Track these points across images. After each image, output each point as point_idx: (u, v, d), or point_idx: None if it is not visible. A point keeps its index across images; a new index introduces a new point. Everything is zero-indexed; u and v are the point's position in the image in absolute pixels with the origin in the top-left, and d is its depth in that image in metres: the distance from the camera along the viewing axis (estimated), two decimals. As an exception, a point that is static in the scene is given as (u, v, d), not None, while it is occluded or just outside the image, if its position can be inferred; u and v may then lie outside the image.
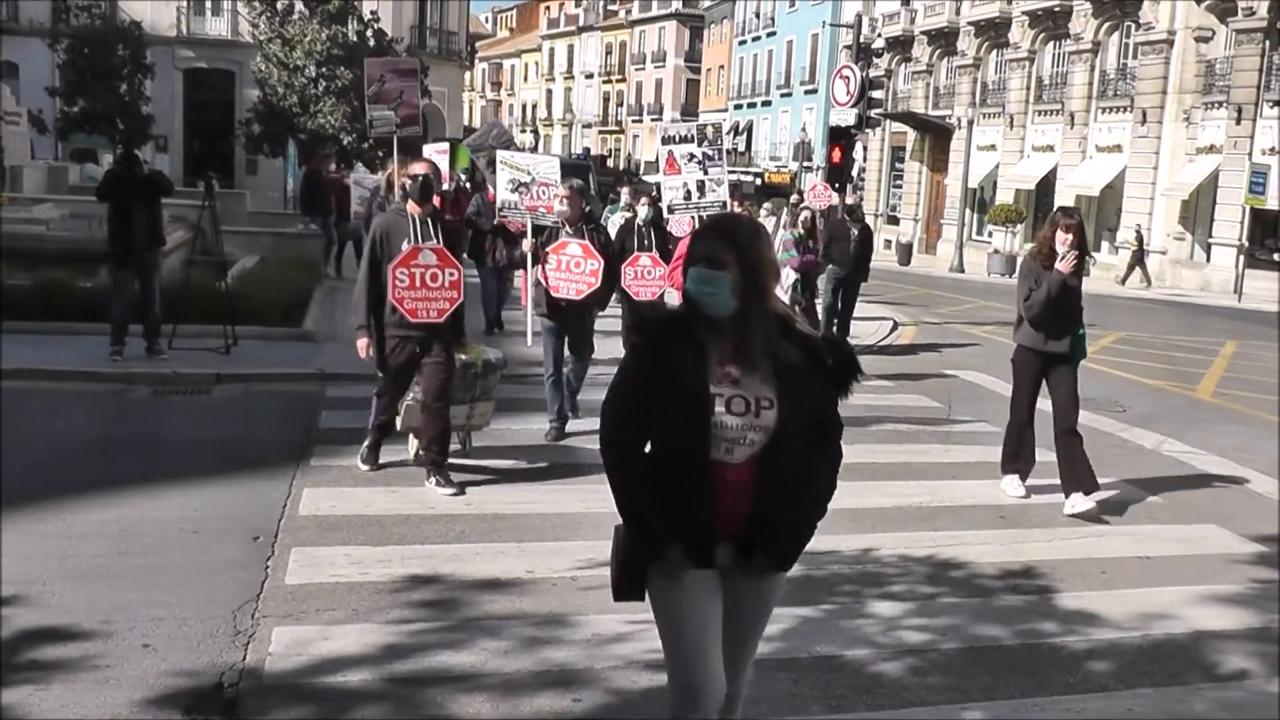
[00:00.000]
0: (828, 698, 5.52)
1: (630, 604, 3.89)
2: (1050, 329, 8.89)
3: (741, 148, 68.88)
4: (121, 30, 41.62)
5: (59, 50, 41.48)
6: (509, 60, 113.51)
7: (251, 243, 20.55)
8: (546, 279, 10.35)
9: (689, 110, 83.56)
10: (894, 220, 53.87)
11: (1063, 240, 8.71)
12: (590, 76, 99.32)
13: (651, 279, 12.02)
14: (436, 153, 18.38)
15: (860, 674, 5.79)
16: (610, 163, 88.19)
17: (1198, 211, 37.48)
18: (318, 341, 14.26)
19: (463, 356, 9.08)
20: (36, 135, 36.83)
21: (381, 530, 7.60)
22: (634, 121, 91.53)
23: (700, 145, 12.15)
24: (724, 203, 12.08)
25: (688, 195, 12.17)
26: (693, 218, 12.15)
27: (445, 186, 16.03)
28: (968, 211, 44.59)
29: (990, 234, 44.73)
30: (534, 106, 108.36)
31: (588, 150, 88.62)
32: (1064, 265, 8.68)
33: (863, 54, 28.53)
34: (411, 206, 8.49)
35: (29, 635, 5.64)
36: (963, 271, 40.41)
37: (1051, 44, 44.39)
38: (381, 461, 9.14)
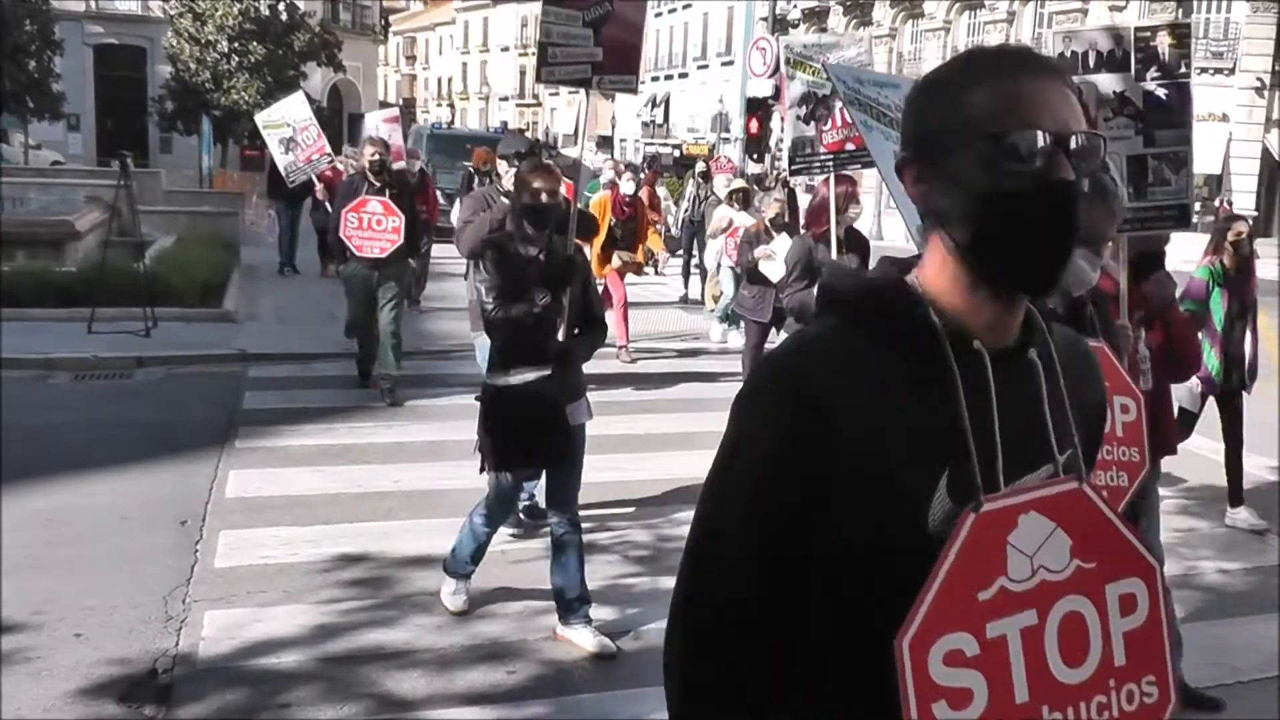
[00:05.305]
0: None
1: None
2: None
3: (660, 120, 68.84)
4: (28, 5, 40.65)
5: (-38, 27, 40.53)
6: (423, 34, 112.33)
7: (169, 222, 20.28)
8: None
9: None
10: (811, 189, 54.18)
11: None
12: (506, 49, 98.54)
13: None
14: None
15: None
16: (528, 136, 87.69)
17: (1112, 177, 38.12)
18: (238, 322, 14.15)
19: None
20: (-57, 115, 36.09)
21: (309, 510, 7.61)
22: (551, 95, 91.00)
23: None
24: None
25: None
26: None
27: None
28: (885, 180, 44.91)
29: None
30: (449, 80, 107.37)
31: (505, 124, 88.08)
32: None
33: (779, 25, 28.65)
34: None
35: (-42, 627, 5.61)
36: (881, 239, 40.74)
37: (967, 14, 44.87)
38: (307, 442, 9.16)
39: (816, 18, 53.51)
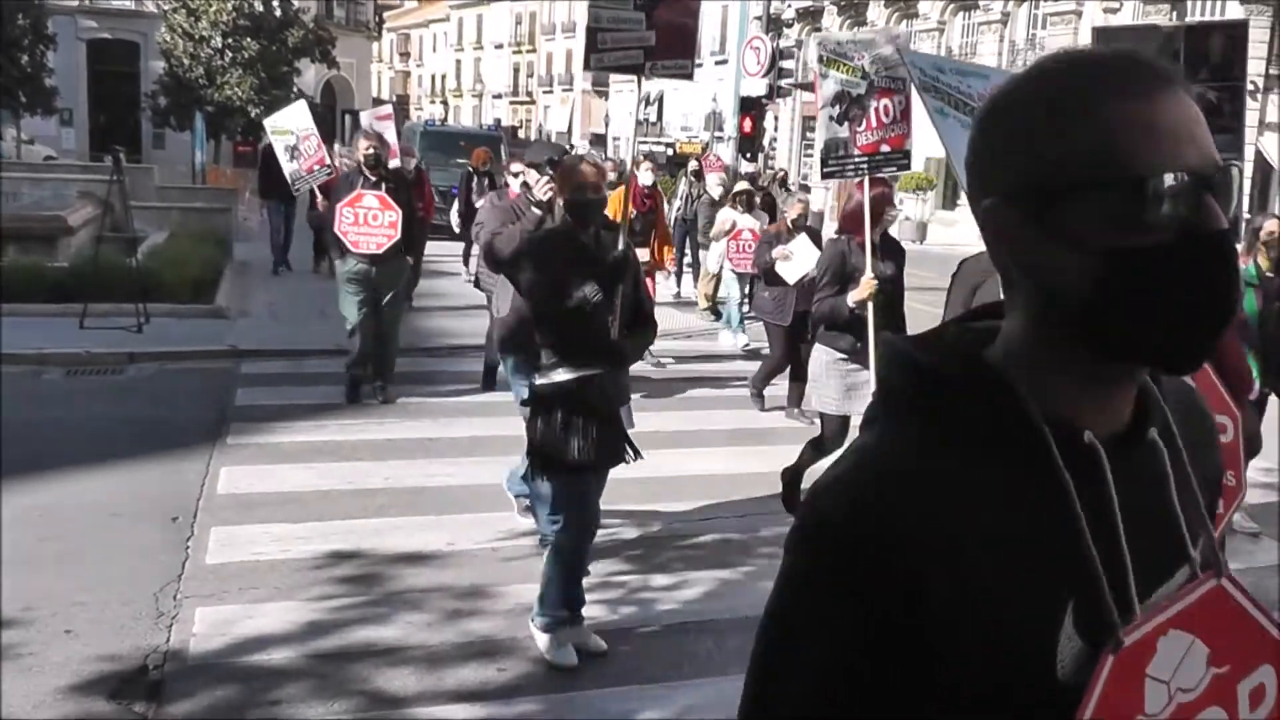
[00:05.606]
0: (749, 657, 5.63)
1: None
2: None
3: (653, 118, 68.90)
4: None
5: (-46, 21, 40.36)
6: (417, 30, 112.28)
7: (161, 218, 20.25)
8: None
9: (600, 81, 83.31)
10: (805, 189, 54.17)
11: None
12: (500, 47, 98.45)
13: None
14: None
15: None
16: (521, 134, 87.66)
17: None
18: (230, 318, 14.12)
19: None
20: (-66, 109, 35.98)
21: (301, 507, 7.61)
22: (544, 92, 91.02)
23: None
24: None
25: None
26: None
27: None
28: (878, 180, 44.96)
29: (901, 201, 45.22)
30: (443, 77, 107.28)
31: (498, 121, 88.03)
32: None
33: (773, 25, 28.71)
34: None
35: (-52, 621, 5.60)
36: (874, 239, 40.82)
37: (961, 14, 44.85)
38: (299, 439, 9.15)
39: (811, 17, 53.52)
